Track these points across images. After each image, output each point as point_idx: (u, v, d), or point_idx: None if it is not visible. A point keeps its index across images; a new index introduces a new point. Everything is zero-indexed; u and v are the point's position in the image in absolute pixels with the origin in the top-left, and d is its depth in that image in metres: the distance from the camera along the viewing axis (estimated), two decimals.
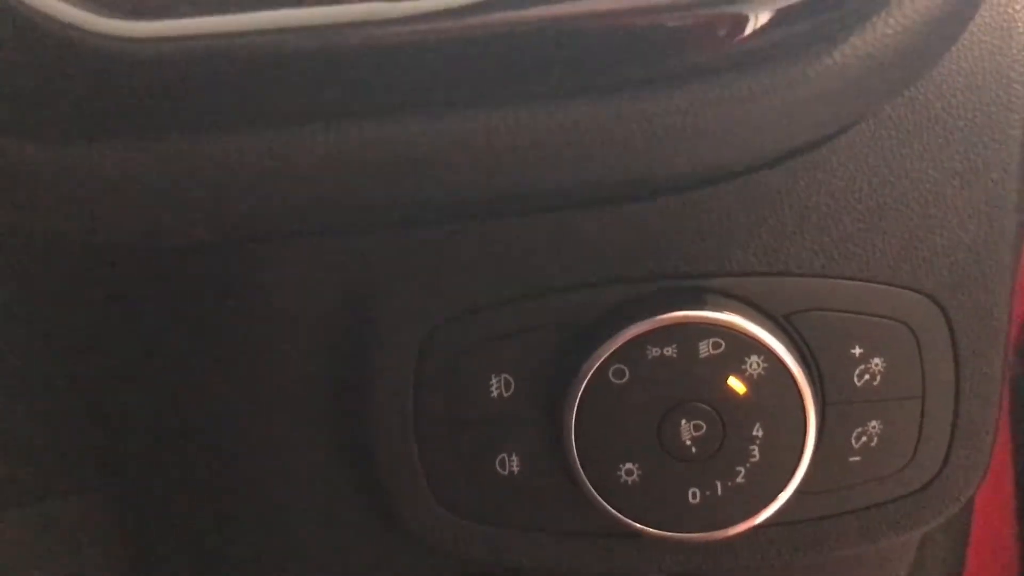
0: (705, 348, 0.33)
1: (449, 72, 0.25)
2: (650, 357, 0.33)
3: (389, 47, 0.25)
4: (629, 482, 0.34)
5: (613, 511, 0.35)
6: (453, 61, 0.25)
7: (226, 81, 0.25)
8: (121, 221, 0.27)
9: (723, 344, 0.33)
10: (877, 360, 0.34)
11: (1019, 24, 0.32)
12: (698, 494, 0.34)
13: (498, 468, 0.36)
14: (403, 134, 0.25)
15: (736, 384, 0.34)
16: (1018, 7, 0.32)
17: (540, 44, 0.24)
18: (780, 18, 0.26)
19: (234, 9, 0.24)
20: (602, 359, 0.33)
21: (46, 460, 0.42)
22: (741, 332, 0.33)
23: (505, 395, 0.35)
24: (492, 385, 0.35)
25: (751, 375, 0.33)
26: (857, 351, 0.34)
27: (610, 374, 0.33)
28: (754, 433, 0.34)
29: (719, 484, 0.34)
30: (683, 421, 0.34)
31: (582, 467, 0.34)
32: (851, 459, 0.35)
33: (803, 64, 0.27)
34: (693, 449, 0.34)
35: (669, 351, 0.33)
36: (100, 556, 0.45)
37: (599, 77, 0.26)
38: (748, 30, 0.26)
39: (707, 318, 0.33)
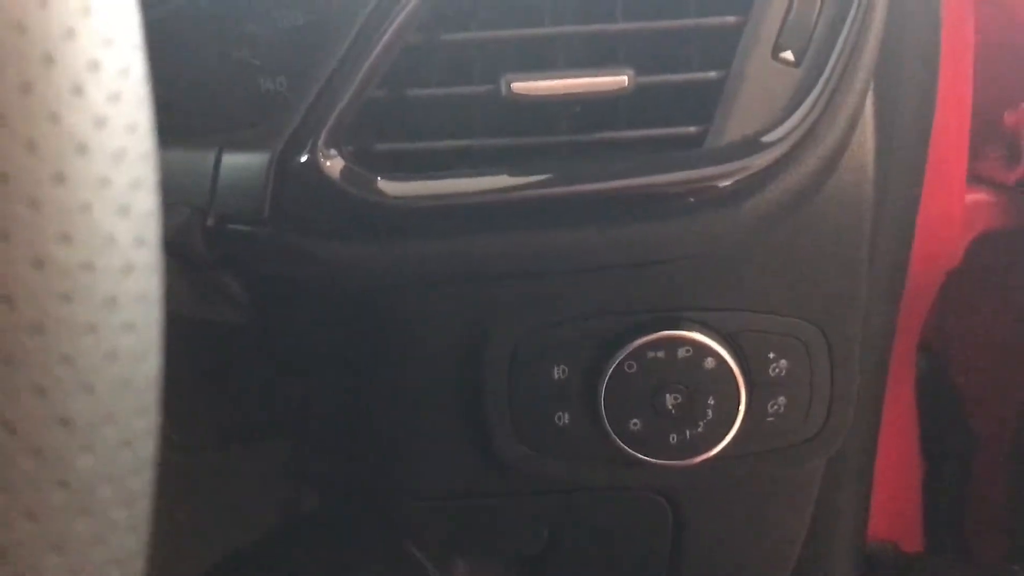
0: (681, 352, 0.47)
1: (553, 210, 0.44)
2: (649, 357, 0.47)
3: (525, 199, 0.44)
4: (635, 430, 0.47)
5: (626, 447, 0.48)
6: (556, 207, 0.44)
7: (443, 216, 0.44)
8: (361, 280, 0.45)
9: (692, 350, 0.47)
10: (783, 361, 0.48)
11: (868, 168, 0.48)
12: (676, 437, 0.48)
13: (556, 421, 0.49)
14: (532, 240, 0.44)
15: (698, 373, 0.47)
16: (868, 160, 0.47)
17: (606, 201, 0.44)
18: (737, 186, 0.44)
19: (443, 176, 0.43)
20: (621, 357, 0.47)
21: (245, 414, 0.55)
22: (702, 343, 0.47)
23: (562, 377, 0.48)
24: (555, 371, 0.48)
25: (707, 368, 0.47)
26: (771, 355, 0.48)
27: (625, 367, 0.47)
28: (708, 402, 0.47)
29: (688, 432, 0.47)
30: (667, 394, 0.47)
31: (607, 421, 0.47)
32: (768, 419, 0.49)
33: (739, 204, 0.44)
34: (673, 411, 0.47)
35: (660, 354, 0.47)
36: (281, 489, 0.58)
37: (629, 215, 0.44)
38: (713, 193, 0.44)
39: (682, 335, 0.47)
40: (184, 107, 0.49)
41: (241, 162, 0.45)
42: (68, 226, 0.21)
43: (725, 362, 0.47)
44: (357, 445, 0.55)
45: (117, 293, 0.22)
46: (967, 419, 0.79)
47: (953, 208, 0.65)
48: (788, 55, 0.43)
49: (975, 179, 0.69)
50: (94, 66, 0.21)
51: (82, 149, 0.21)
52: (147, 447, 0.24)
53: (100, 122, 0.21)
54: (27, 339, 0.21)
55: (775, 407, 0.49)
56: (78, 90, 0.20)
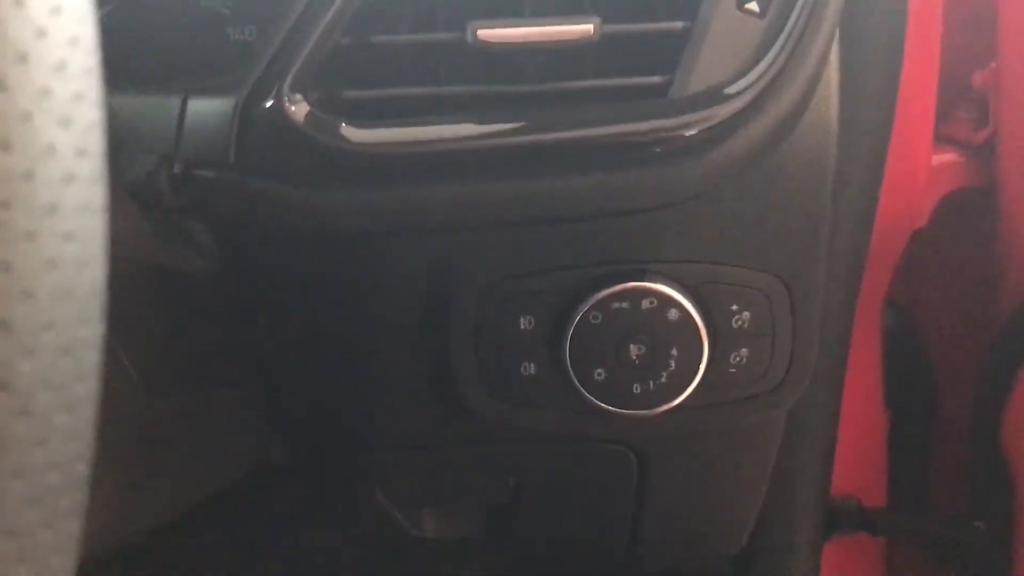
0: (645, 303, 0.47)
1: (518, 159, 0.44)
2: (613, 307, 0.47)
3: (490, 148, 0.44)
4: (600, 380, 0.48)
5: (590, 397, 0.48)
6: (521, 156, 0.44)
7: (408, 164, 0.44)
8: (326, 227, 0.45)
9: (656, 302, 0.47)
10: (746, 312, 0.48)
11: (832, 122, 0.48)
12: (639, 387, 0.48)
13: (522, 372, 0.49)
14: (496, 189, 0.44)
15: (662, 324, 0.47)
16: (832, 115, 0.48)
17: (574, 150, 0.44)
18: (701, 135, 0.44)
19: (408, 123, 0.43)
20: (586, 308, 0.47)
21: (211, 360, 0.53)
22: (666, 295, 0.47)
23: (529, 328, 0.48)
24: (521, 321, 0.48)
25: (671, 320, 0.47)
26: (734, 307, 0.48)
27: (590, 318, 0.47)
28: (672, 353, 0.47)
29: (651, 382, 0.48)
30: (631, 345, 0.47)
31: (572, 371, 0.48)
32: (730, 370, 0.49)
33: (702, 154, 0.45)
34: (637, 361, 0.47)
35: (625, 304, 0.47)
36: (250, 438, 0.56)
37: (594, 163, 0.45)
38: (677, 143, 0.44)
39: (647, 287, 0.47)
40: (153, 55, 0.49)
41: (207, 108, 0.45)
42: (8, 134, 0.21)
43: (688, 313, 0.48)
44: (324, 394, 0.55)
45: (58, 202, 0.22)
46: (932, 376, 0.80)
47: (919, 168, 0.66)
48: (753, 6, 0.44)
49: (943, 140, 0.70)
50: None
51: (23, 58, 0.21)
52: (90, 356, 0.24)
53: (41, 33, 0.21)
54: None
55: (737, 358, 0.49)
56: (19, 1, 0.21)
